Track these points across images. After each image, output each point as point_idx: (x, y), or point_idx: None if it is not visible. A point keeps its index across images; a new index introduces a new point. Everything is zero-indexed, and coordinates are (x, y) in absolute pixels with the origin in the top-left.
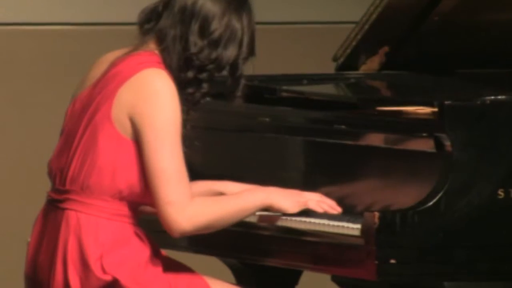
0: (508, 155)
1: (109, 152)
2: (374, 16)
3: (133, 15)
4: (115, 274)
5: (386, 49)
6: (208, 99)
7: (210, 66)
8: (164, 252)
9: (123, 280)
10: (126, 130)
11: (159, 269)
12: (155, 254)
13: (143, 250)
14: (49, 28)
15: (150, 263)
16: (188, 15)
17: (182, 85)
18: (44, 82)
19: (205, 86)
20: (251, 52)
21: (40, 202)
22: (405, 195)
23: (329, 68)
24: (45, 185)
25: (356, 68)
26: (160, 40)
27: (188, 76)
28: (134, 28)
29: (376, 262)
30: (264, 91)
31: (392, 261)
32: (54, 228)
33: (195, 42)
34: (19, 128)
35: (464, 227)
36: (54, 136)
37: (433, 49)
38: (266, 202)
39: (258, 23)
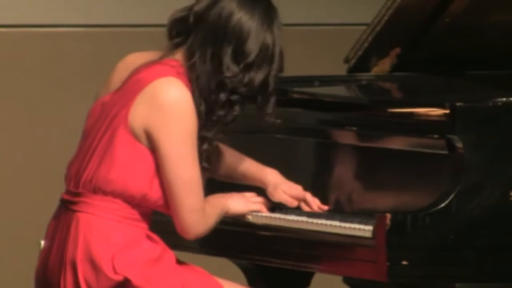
0: None
1: (125, 157)
2: (385, 18)
3: (146, 18)
4: (126, 273)
5: (397, 50)
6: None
7: (243, 89)
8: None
9: (134, 279)
10: (141, 139)
11: (169, 267)
12: (165, 253)
13: (153, 250)
14: (60, 30)
15: (160, 262)
16: (221, 34)
17: (213, 107)
18: (56, 85)
19: (237, 108)
20: (281, 68)
21: (50, 204)
22: (416, 197)
23: (341, 70)
24: (56, 187)
25: (368, 70)
26: (189, 56)
27: (220, 98)
28: (147, 30)
29: (388, 263)
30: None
31: (404, 262)
32: (64, 229)
33: (228, 66)
34: (30, 131)
35: (475, 229)
36: (65, 138)
37: (445, 51)
38: (226, 210)
39: None
